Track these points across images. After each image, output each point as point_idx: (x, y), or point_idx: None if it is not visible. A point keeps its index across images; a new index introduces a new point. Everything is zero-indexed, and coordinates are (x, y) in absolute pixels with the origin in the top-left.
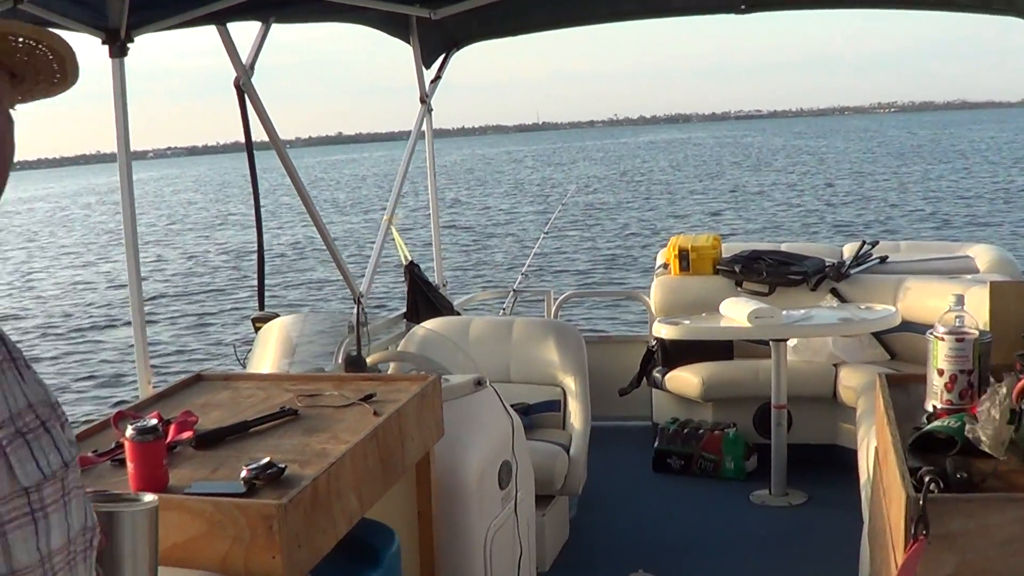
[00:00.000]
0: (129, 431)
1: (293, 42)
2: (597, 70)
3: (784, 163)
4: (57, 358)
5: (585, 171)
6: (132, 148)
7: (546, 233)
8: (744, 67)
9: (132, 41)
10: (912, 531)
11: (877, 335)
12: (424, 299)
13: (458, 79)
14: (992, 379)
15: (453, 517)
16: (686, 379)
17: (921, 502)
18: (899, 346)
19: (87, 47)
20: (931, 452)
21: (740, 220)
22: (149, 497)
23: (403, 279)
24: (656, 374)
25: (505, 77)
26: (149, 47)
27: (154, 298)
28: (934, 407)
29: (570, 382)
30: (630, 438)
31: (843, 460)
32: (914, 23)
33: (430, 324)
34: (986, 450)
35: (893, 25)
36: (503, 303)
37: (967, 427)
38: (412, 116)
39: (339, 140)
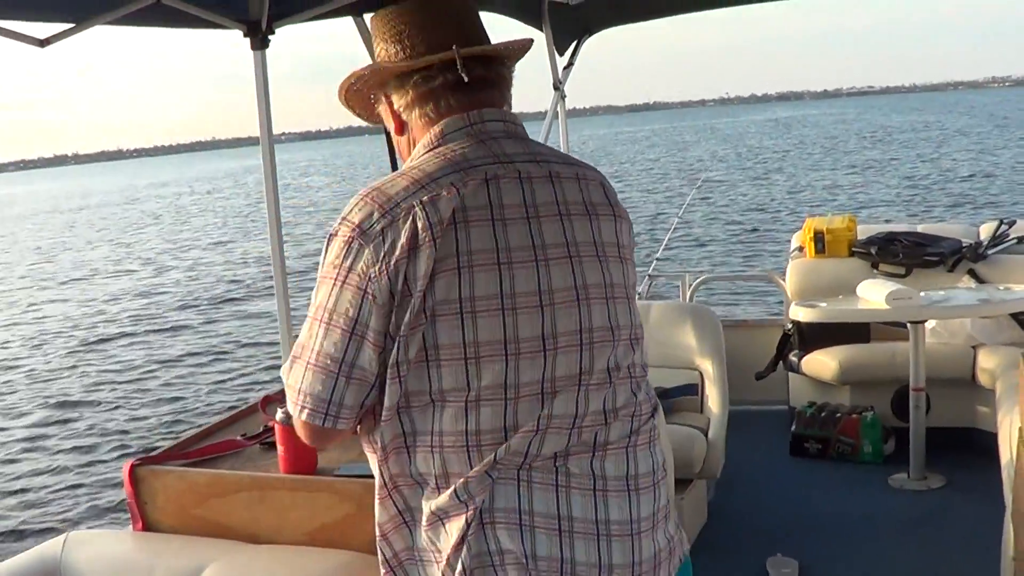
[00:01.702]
0: (279, 414)
1: None
2: (706, 47)
3: (906, 139)
4: (202, 341)
5: (707, 150)
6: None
7: (680, 217)
8: (854, 41)
9: (273, 33)
10: None
11: (1016, 316)
12: None
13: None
14: None
15: None
16: (823, 362)
17: None
18: None
19: (225, 38)
20: None
21: (869, 198)
22: None
23: None
24: (792, 358)
25: (614, 57)
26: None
27: (300, 276)
28: None
29: (707, 366)
30: (767, 422)
31: (982, 443)
32: None
33: None
34: None
35: None
36: (639, 288)
37: None
38: (536, 100)
39: None
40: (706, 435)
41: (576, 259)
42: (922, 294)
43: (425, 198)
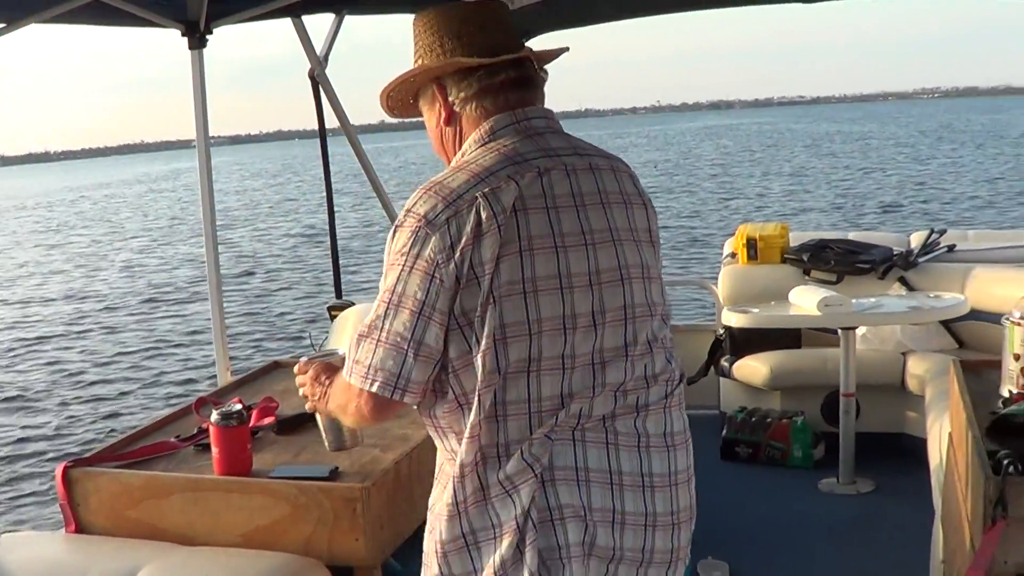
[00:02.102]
0: (214, 416)
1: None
2: (639, 56)
3: (836, 149)
4: (133, 344)
5: (638, 157)
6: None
7: None
8: (786, 52)
9: (211, 33)
10: (991, 513)
11: (945, 323)
12: None
13: None
14: None
15: None
16: (754, 368)
17: (1000, 484)
18: (967, 334)
19: (165, 39)
20: (1007, 436)
21: (801, 206)
22: (341, 350)
23: None
24: (724, 363)
25: (550, 66)
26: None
27: (232, 287)
28: (1010, 392)
29: None
30: (698, 427)
31: (911, 448)
32: (958, 7)
33: None
34: None
35: (936, 9)
36: None
37: None
38: None
39: (419, 125)
40: None
41: (618, 243)
42: (853, 301)
43: (487, 190)
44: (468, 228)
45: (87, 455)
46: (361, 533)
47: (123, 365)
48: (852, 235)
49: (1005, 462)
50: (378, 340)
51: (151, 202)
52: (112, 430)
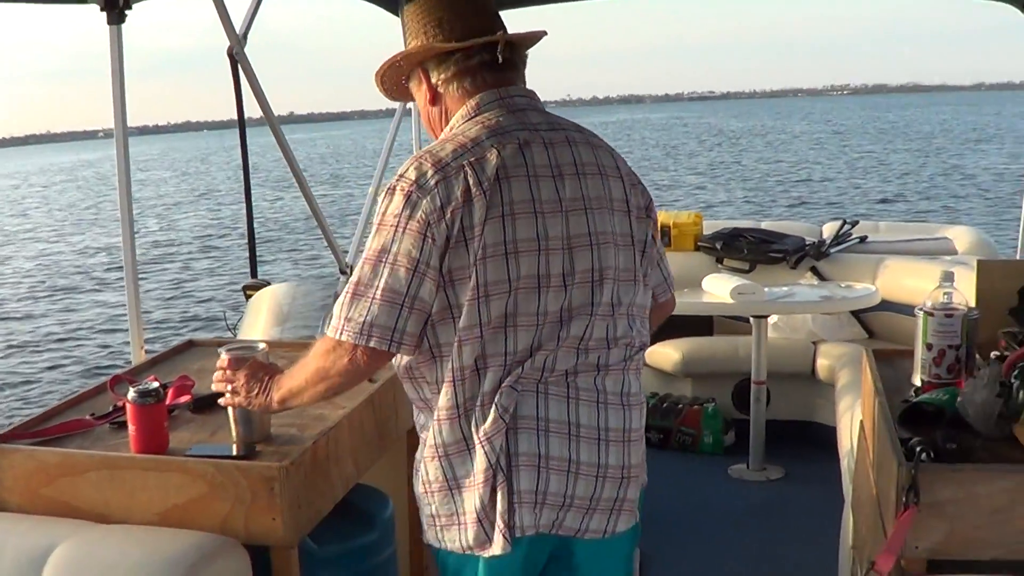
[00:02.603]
0: (131, 394)
1: (277, 21)
2: (545, 50)
3: (747, 143)
4: (48, 324)
5: None
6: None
7: None
8: (697, 48)
9: (130, 8)
10: (903, 499)
11: (856, 314)
12: None
13: None
14: (978, 355)
15: None
16: (666, 354)
17: (912, 470)
18: (877, 325)
19: (83, 15)
20: (919, 425)
21: (712, 198)
22: (261, 344)
23: None
24: None
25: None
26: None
27: (147, 267)
28: (922, 381)
29: None
30: None
31: (820, 436)
32: (869, 7)
33: None
34: (974, 423)
35: (848, 8)
36: None
37: (958, 400)
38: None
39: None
40: None
41: (589, 211)
42: (766, 290)
43: (473, 159)
44: (457, 192)
45: (1, 432)
46: (278, 512)
47: (37, 349)
48: (765, 225)
49: (918, 449)
50: (372, 298)
51: (62, 192)
52: (27, 410)
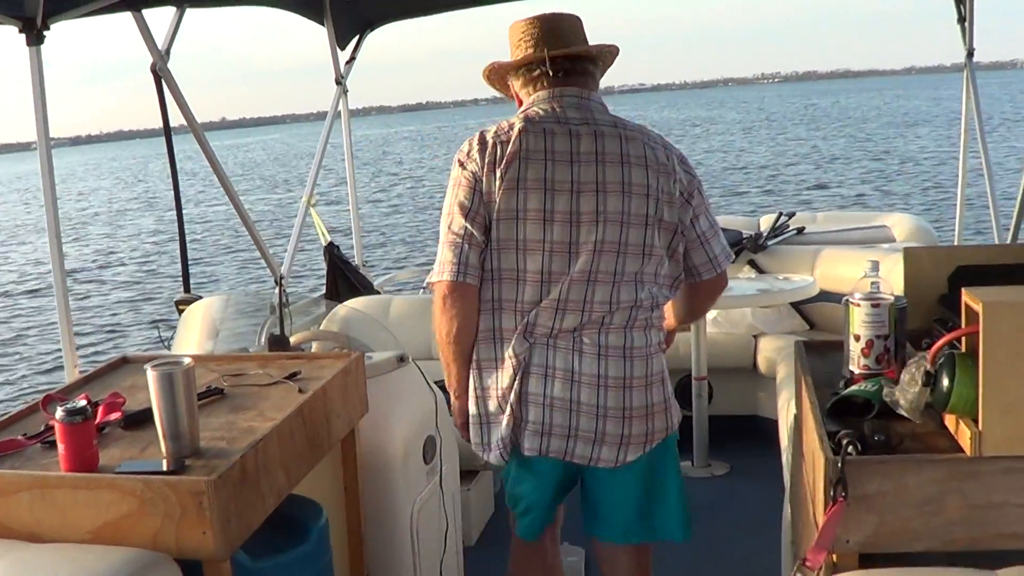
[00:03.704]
0: (59, 413)
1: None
2: (479, 48)
3: (678, 135)
4: None
5: None
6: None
7: None
8: (626, 40)
9: (48, 29)
10: (832, 493)
11: (795, 305)
12: (344, 279)
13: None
14: (910, 344)
15: (379, 492)
16: None
17: (840, 464)
18: (817, 316)
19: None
20: (850, 416)
21: None
22: (187, 359)
23: (322, 259)
24: None
25: (386, 57)
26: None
27: (78, 284)
28: (851, 372)
29: None
30: None
31: (764, 430)
32: None
33: (352, 303)
34: (903, 414)
35: None
36: (423, 281)
37: (885, 391)
38: (319, 97)
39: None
40: None
41: (602, 193)
42: None
43: (502, 139)
44: (488, 161)
45: None
46: (208, 526)
47: None
48: None
49: (845, 442)
50: (444, 242)
51: (3, 204)
52: None
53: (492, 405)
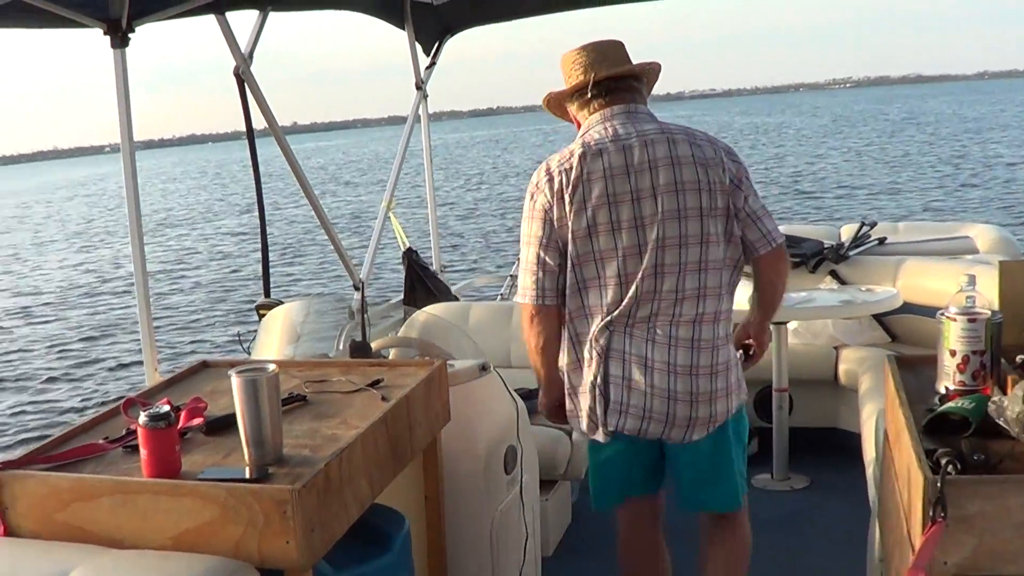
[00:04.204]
0: (142, 418)
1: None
2: (549, 52)
3: (751, 141)
4: (62, 347)
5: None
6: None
7: None
8: (696, 45)
9: (133, 32)
10: (931, 513)
11: (877, 317)
12: (422, 285)
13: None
14: (1004, 360)
15: (460, 502)
16: None
17: (939, 484)
18: (899, 328)
19: (87, 39)
20: (944, 434)
21: None
22: (271, 366)
23: (400, 265)
24: None
25: (457, 61)
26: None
27: (159, 288)
28: (946, 388)
29: None
30: None
31: (845, 443)
32: None
33: (431, 309)
34: (1008, 429)
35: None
36: (500, 288)
37: (990, 406)
38: (402, 102)
39: (335, 126)
40: (570, 436)
41: (659, 196)
42: (784, 295)
43: (566, 167)
44: (555, 190)
45: (15, 458)
46: (291, 535)
47: (51, 367)
48: (783, 228)
49: (944, 461)
50: (523, 269)
51: (75, 207)
52: (40, 433)
53: (588, 397)
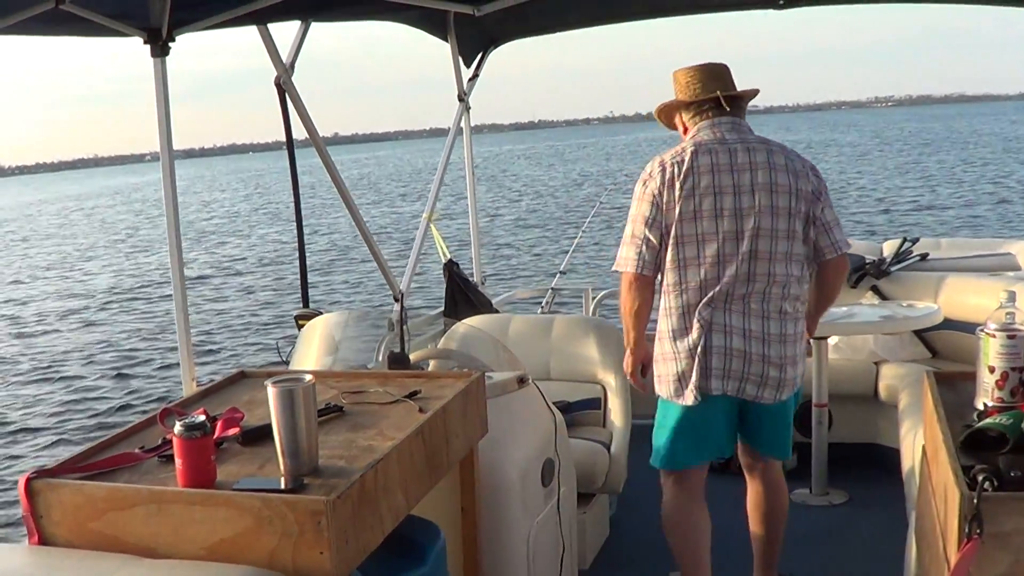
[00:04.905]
0: (177, 427)
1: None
2: (592, 67)
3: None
4: (100, 355)
5: (600, 167)
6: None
7: (583, 232)
8: (740, 62)
9: (173, 40)
10: (967, 530)
11: (918, 333)
12: (463, 297)
13: (447, 79)
14: None
15: (497, 514)
16: None
17: (976, 500)
18: (940, 344)
19: (117, 52)
20: (982, 450)
21: None
22: (308, 376)
23: (442, 276)
24: None
25: (498, 75)
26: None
27: (198, 297)
28: (985, 405)
29: (611, 379)
30: None
31: (884, 459)
32: (911, 15)
33: (471, 321)
34: None
35: (890, 17)
36: (540, 301)
37: None
38: (442, 114)
39: (374, 138)
40: (609, 449)
41: (756, 192)
42: None
43: (678, 160)
44: (667, 179)
45: (51, 466)
46: (326, 546)
47: (88, 375)
48: None
49: (980, 478)
50: (627, 243)
51: (115, 215)
52: (77, 441)
53: (684, 363)
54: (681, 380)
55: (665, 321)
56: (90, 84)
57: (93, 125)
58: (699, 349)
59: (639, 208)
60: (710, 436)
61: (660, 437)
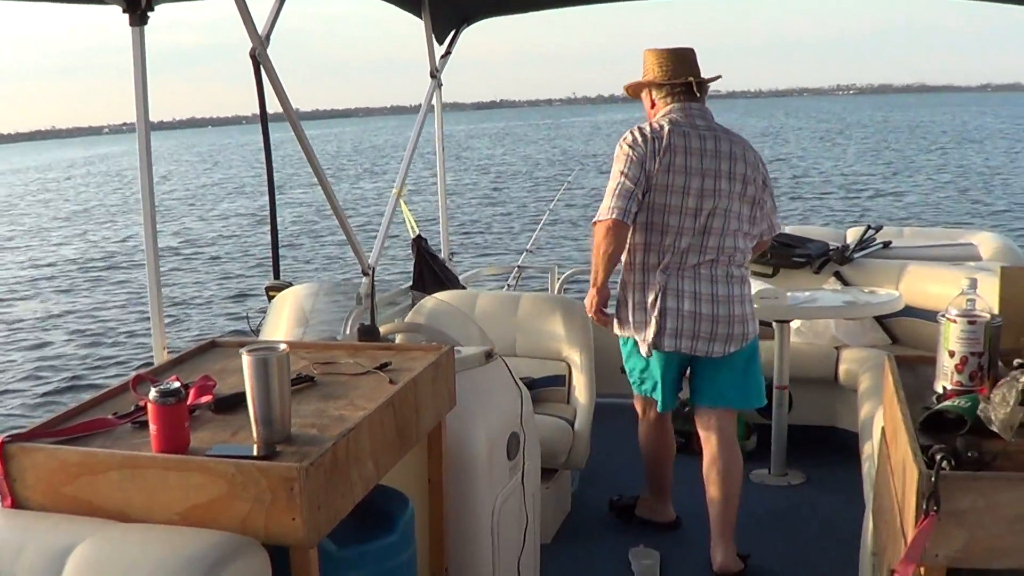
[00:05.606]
0: (152, 393)
1: (302, 16)
2: (552, 49)
3: (761, 143)
4: (71, 323)
5: (561, 148)
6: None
7: (550, 210)
8: (702, 48)
9: (152, 10)
10: (924, 507)
11: (879, 319)
12: (431, 272)
13: (411, 57)
14: (1001, 363)
15: (463, 485)
16: None
17: (933, 479)
18: (900, 330)
19: (87, 19)
20: (940, 431)
21: None
22: (282, 345)
23: (409, 252)
24: None
25: (461, 55)
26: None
27: (169, 267)
28: (944, 388)
29: (575, 357)
30: (633, 415)
31: (842, 442)
32: (875, 6)
33: (439, 296)
34: (996, 431)
35: (854, 8)
36: (507, 279)
37: (980, 406)
38: (414, 91)
39: (335, 114)
40: (572, 426)
41: (717, 176)
42: (788, 294)
43: (658, 135)
44: (650, 149)
45: (24, 431)
46: (298, 513)
47: (59, 343)
48: (788, 229)
49: (938, 457)
50: (615, 194)
51: (76, 187)
52: (49, 407)
53: (640, 316)
54: (637, 330)
55: (628, 274)
56: (48, 55)
57: (50, 97)
58: (655, 311)
59: (626, 166)
60: (659, 385)
61: (630, 363)
